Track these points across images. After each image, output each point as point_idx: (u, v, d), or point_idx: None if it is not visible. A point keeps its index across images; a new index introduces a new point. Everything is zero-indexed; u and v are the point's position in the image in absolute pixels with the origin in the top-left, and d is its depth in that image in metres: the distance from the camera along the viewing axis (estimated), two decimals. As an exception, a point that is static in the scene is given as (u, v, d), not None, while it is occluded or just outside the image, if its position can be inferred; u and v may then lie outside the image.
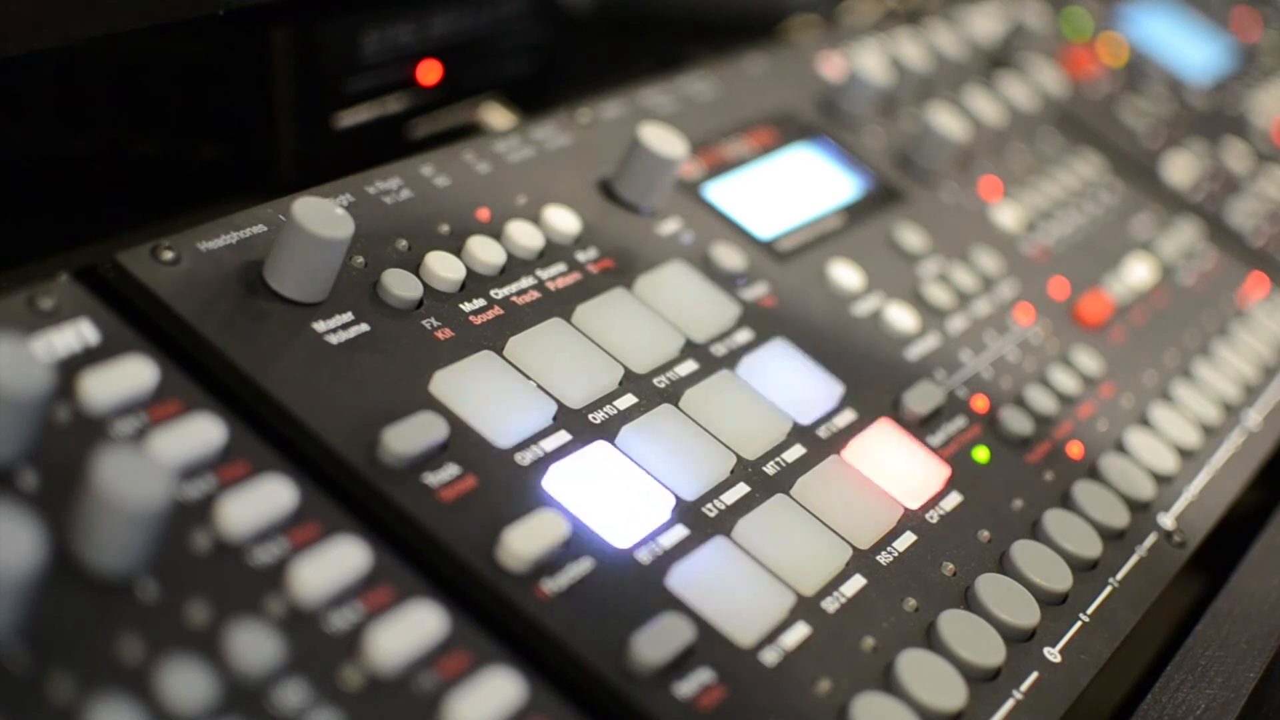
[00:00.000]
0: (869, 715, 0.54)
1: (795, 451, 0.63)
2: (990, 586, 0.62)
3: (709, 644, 0.54)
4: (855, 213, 0.81)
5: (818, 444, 0.65)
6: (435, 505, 0.52)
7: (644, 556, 0.55)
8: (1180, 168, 1.04)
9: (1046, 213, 0.91)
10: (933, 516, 0.64)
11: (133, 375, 0.50)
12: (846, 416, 0.67)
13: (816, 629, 0.57)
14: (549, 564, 0.53)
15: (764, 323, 0.69)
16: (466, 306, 0.61)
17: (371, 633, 0.47)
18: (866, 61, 0.90)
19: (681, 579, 0.55)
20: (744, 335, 0.68)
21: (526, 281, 0.64)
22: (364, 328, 0.57)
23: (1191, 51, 1.22)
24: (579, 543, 0.54)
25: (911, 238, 0.81)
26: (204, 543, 0.47)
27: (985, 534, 0.65)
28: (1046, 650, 0.61)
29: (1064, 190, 0.94)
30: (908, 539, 0.63)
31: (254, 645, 0.45)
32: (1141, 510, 0.71)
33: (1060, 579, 0.64)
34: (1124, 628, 0.64)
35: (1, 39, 0.56)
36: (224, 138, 0.77)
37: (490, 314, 0.61)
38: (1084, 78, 1.08)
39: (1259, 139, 1.15)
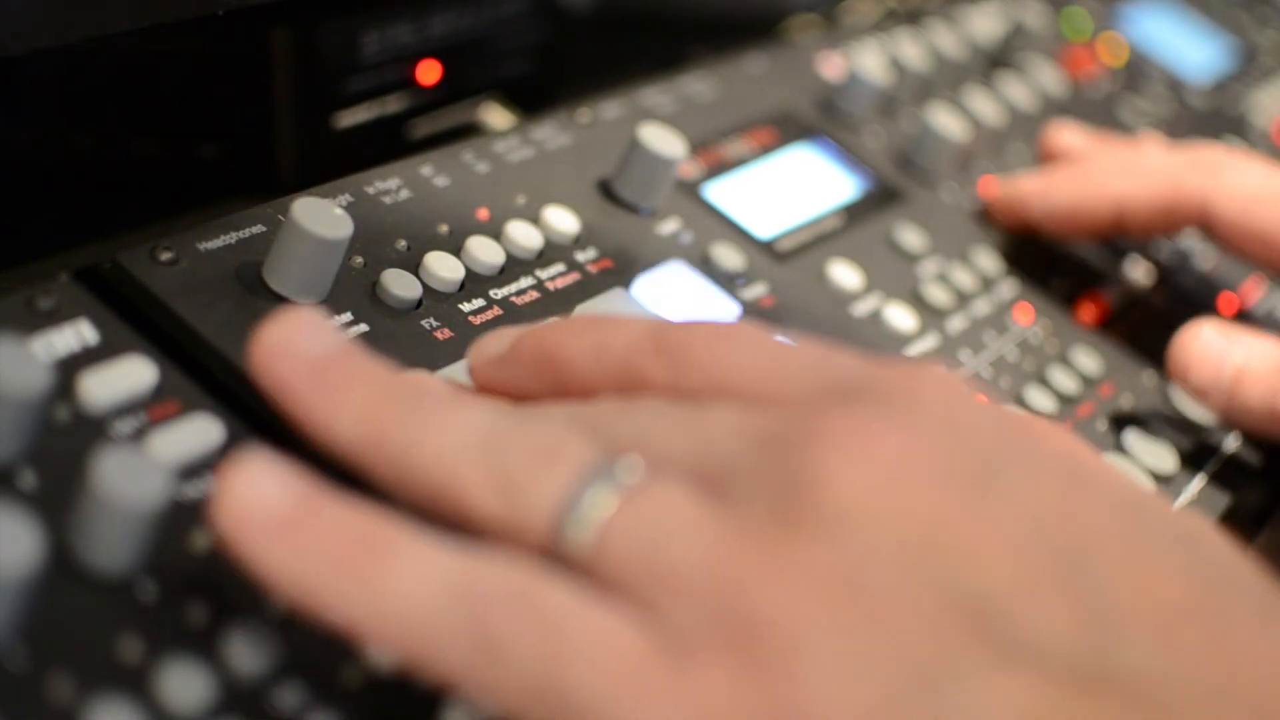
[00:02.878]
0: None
1: (795, 451, 0.63)
2: (990, 586, 0.61)
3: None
4: (855, 213, 0.81)
5: (817, 444, 0.64)
6: (435, 505, 0.52)
7: (643, 556, 0.55)
8: (1180, 168, 1.04)
9: (1046, 213, 0.91)
10: (932, 516, 0.64)
11: (132, 375, 0.50)
12: (846, 416, 0.67)
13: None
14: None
15: (764, 322, 0.69)
16: (466, 306, 0.61)
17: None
18: (866, 61, 0.90)
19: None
20: (744, 335, 0.68)
21: (526, 281, 0.64)
22: (363, 328, 0.57)
23: (1191, 51, 1.22)
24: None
25: (911, 238, 0.81)
26: (204, 543, 0.47)
27: (985, 534, 0.65)
28: (1046, 650, 0.61)
29: (1064, 190, 0.94)
30: (907, 539, 0.62)
31: (254, 645, 0.45)
32: (1141, 510, 0.71)
33: (1060, 579, 0.64)
34: (1124, 628, 0.64)
35: (1, 39, 0.56)
36: (224, 138, 0.77)
37: (490, 314, 0.61)
38: (1084, 78, 1.08)
39: (1259, 139, 1.15)
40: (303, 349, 0.46)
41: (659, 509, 0.42)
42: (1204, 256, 0.96)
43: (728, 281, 0.70)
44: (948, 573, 0.41)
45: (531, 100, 0.87)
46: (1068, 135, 0.91)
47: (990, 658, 0.40)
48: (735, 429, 0.45)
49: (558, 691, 0.40)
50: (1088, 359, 0.79)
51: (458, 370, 0.57)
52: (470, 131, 0.85)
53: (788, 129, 0.85)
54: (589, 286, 0.65)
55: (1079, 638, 0.40)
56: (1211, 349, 0.75)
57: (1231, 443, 0.79)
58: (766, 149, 0.82)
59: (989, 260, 0.83)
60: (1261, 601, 0.43)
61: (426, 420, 0.45)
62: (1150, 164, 0.85)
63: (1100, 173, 0.85)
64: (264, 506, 0.42)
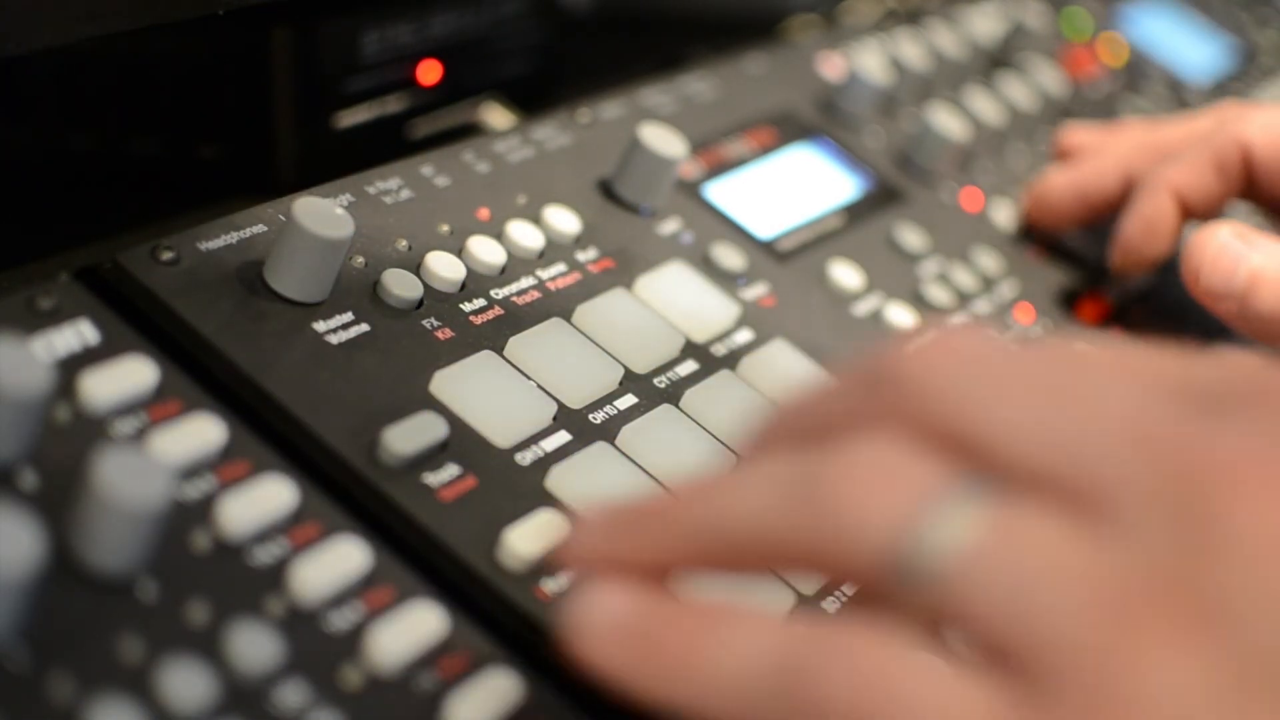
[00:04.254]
0: None
1: (795, 451, 0.63)
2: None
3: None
4: (855, 213, 0.81)
5: (818, 444, 0.64)
6: (435, 505, 0.52)
7: (644, 556, 0.55)
8: (1180, 168, 1.04)
9: (1046, 213, 0.91)
10: (933, 516, 0.64)
11: (133, 375, 0.50)
12: (846, 416, 0.67)
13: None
14: (548, 565, 0.53)
15: (764, 323, 0.69)
16: (466, 306, 0.61)
17: (372, 632, 0.47)
18: (866, 61, 0.90)
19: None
20: (744, 335, 0.68)
21: (527, 281, 0.64)
22: (364, 328, 0.57)
23: (1191, 51, 1.22)
24: (579, 543, 0.54)
25: (911, 238, 0.81)
26: (204, 543, 0.47)
27: (985, 534, 0.65)
28: (1046, 650, 0.61)
29: (1064, 190, 0.94)
30: (908, 539, 0.62)
31: (254, 645, 0.45)
32: (1141, 510, 0.71)
33: (1060, 579, 0.64)
34: (1124, 628, 0.64)
35: (1, 39, 0.56)
36: (224, 138, 0.77)
37: (490, 314, 0.61)
38: (1084, 78, 1.08)
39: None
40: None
41: (1028, 535, 0.34)
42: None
43: (728, 281, 0.70)
44: None
45: (531, 100, 0.87)
46: (1080, 133, 0.89)
47: None
48: (1116, 426, 0.36)
49: None
50: (1088, 359, 0.79)
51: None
52: (470, 131, 0.85)
53: (788, 129, 0.85)
54: (590, 286, 0.65)
55: None
56: (1227, 252, 0.69)
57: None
58: (766, 149, 0.82)
59: (989, 260, 0.83)
60: None
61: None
62: (1174, 134, 0.80)
63: (1132, 145, 0.81)
64: (610, 620, 0.41)
